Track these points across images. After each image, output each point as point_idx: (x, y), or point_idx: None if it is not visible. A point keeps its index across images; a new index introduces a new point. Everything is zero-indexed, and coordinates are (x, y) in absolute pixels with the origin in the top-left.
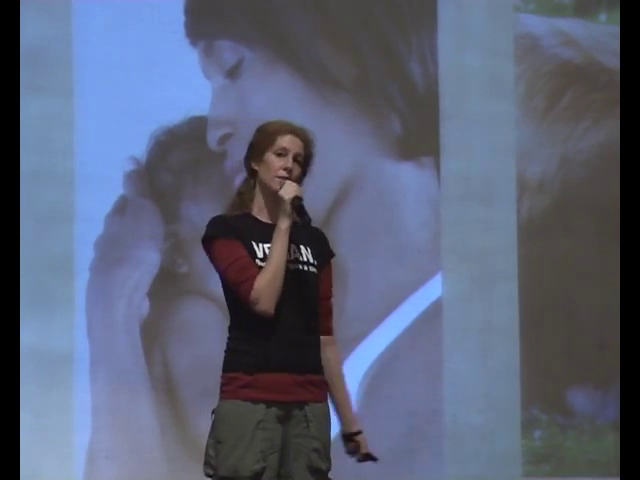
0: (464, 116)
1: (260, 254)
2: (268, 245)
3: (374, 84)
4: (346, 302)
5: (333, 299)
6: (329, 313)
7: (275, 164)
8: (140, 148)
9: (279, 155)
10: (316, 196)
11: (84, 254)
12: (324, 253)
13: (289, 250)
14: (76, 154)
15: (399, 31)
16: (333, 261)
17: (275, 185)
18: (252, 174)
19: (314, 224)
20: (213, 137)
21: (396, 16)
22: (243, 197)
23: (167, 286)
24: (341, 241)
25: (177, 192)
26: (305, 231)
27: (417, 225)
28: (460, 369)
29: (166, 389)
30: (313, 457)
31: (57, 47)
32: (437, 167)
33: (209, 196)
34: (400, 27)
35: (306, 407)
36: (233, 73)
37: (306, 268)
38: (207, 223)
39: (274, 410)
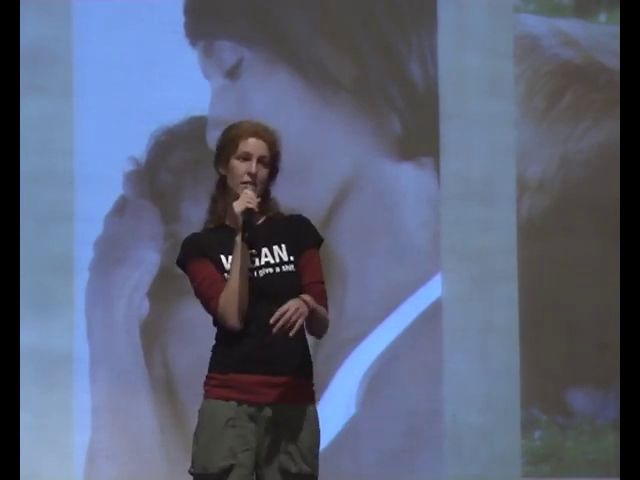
0: (464, 116)
1: (228, 266)
2: None
3: (374, 84)
4: (346, 302)
5: (333, 299)
6: (319, 296)
7: (239, 170)
8: (140, 148)
9: (243, 160)
10: (316, 196)
11: (84, 254)
12: (302, 241)
13: (258, 255)
14: (76, 154)
15: (399, 31)
16: (332, 259)
17: (240, 191)
18: (222, 179)
19: (313, 223)
20: (213, 137)
21: (396, 16)
22: (216, 206)
23: (167, 286)
24: (341, 241)
25: (177, 192)
26: (279, 227)
27: (417, 225)
28: (460, 369)
29: (166, 389)
30: (283, 459)
31: (57, 47)
32: (437, 167)
33: (209, 196)
34: (400, 27)
35: (280, 409)
36: (233, 73)
37: (278, 269)
38: (181, 244)
39: (245, 409)
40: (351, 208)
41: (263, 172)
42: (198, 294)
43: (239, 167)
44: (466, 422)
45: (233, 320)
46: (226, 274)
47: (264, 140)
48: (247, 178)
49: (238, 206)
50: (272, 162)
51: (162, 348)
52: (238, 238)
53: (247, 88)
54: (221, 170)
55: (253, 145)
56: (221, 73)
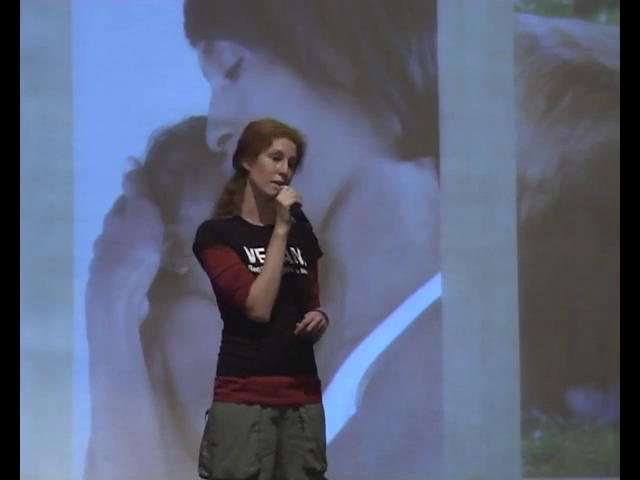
0: (464, 116)
1: (252, 259)
2: (260, 250)
3: (374, 84)
4: (346, 302)
5: (333, 298)
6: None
7: (270, 168)
8: (140, 148)
9: (274, 159)
10: (316, 196)
11: (84, 254)
12: (313, 253)
13: None
14: (76, 154)
15: (399, 31)
16: (333, 261)
17: (269, 190)
18: (243, 173)
19: (314, 223)
20: (213, 137)
21: (396, 16)
22: (233, 198)
23: (167, 287)
24: (341, 241)
25: (177, 192)
26: (295, 232)
27: (417, 225)
28: (460, 369)
29: (166, 389)
30: (308, 458)
31: (57, 47)
32: (437, 167)
33: (209, 196)
34: (400, 27)
35: (301, 408)
36: (233, 73)
37: (297, 271)
38: (197, 229)
39: (269, 412)
40: (351, 208)
41: (290, 174)
42: (219, 282)
43: (270, 165)
44: (466, 422)
45: (264, 310)
46: (250, 266)
47: (295, 142)
48: (278, 178)
49: (286, 200)
50: (296, 165)
51: (162, 348)
52: (281, 231)
53: (247, 88)
54: (245, 164)
55: (286, 145)
56: (221, 73)
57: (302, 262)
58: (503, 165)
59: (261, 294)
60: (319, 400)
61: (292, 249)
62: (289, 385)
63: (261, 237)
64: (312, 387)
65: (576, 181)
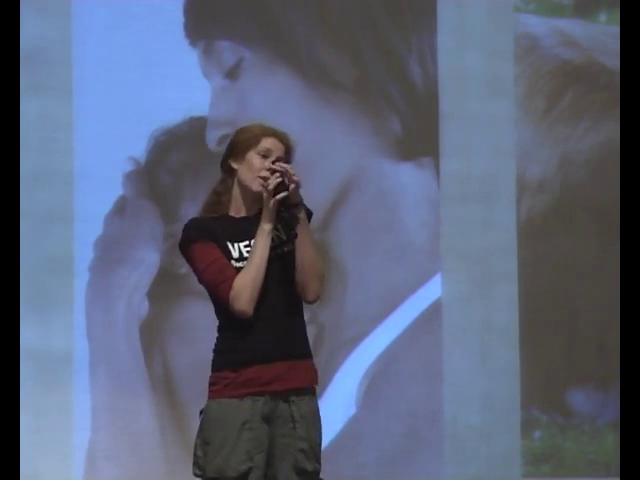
0: (464, 116)
1: (235, 254)
2: (244, 244)
3: (374, 84)
4: (346, 302)
5: (333, 298)
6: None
7: (258, 164)
8: (140, 148)
9: (262, 156)
10: (316, 196)
11: (84, 254)
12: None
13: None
14: (76, 154)
15: (399, 31)
16: (333, 261)
17: (256, 186)
18: (230, 173)
19: (314, 223)
20: (213, 137)
21: (396, 16)
22: (221, 198)
23: (167, 287)
24: (341, 241)
25: (177, 192)
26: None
27: (417, 225)
28: (460, 369)
29: (165, 389)
30: (299, 457)
31: (57, 47)
32: (437, 167)
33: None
34: (400, 27)
35: (293, 407)
36: (233, 73)
37: (285, 248)
38: (183, 227)
39: (260, 408)
40: (351, 208)
41: None
42: (204, 276)
43: (258, 162)
44: (466, 422)
45: (247, 304)
46: (233, 261)
47: (283, 143)
48: (265, 173)
49: (271, 195)
50: None
51: (162, 348)
52: (267, 227)
53: (247, 88)
54: (233, 164)
55: (274, 144)
56: (221, 73)
57: (284, 237)
58: (503, 165)
59: (244, 289)
60: (313, 389)
61: (273, 230)
62: (283, 371)
63: (245, 229)
64: (306, 371)
65: (576, 181)
